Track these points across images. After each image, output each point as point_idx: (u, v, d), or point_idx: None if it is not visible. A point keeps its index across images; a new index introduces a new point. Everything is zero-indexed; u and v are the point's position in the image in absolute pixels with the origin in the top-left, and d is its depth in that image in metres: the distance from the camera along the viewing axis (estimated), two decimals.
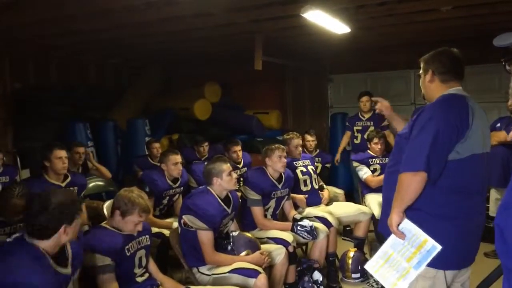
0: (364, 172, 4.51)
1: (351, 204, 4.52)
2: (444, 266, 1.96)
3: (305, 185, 4.25)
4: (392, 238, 2.02)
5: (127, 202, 2.47)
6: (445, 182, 1.95)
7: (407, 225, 1.97)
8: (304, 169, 4.29)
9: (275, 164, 3.68)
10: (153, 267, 2.74)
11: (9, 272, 1.83)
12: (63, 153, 3.57)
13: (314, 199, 4.24)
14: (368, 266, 2.07)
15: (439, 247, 1.88)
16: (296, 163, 4.25)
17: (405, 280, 1.91)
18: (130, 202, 2.47)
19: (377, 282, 3.74)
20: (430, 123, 1.92)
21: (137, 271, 2.59)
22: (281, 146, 3.78)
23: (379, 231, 2.46)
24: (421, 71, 2.20)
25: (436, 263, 1.91)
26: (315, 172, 4.41)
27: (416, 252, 1.93)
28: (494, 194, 4.49)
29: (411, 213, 1.98)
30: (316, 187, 4.36)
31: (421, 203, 1.96)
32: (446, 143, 1.91)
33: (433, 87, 2.12)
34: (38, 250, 1.92)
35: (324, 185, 4.70)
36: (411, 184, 1.93)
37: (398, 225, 1.98)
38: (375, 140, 4.62)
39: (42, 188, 3.24)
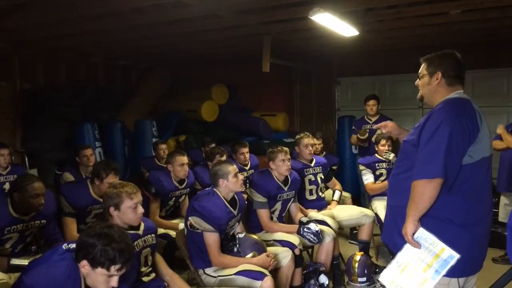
0: (366, 178, 4.48)
1: (354, 206, 4.48)
2: (457, 274, 1.92)
3: (311, 194, 4.21)
4: (406, 248, 1.96)
5: (112, 195, 2.51)
6: (459, 187, 1.91)
7: (423, 234, 1.92)
8: (313, 178, 4.20)
9: (279, 168, 3.67)
10: (161, 262, 2.74)
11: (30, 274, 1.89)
12: (116, 179, 3.30)
13: (318, 205, 4.22)
14: (382, 278, 2.02)
15: (457, 256, 1.83)
16: (306, 171, 4.15)
17: None
18: (115, 193, 2.50)
19: (383, 287, 3.72)
20: (442, 128, 1.86)
21: (143, 269, 2.59)
22: (284, 148, 3.73)
23: (383, 241, 2.42)
24: (424, 72, 2.12)
25: (450, 271, 1.87)
26: (322, 180, 4.32)
27: (432, 262, 1.87)
28: (503, 200, 4.46)
29: (424, 220, 1.93)
30: (322, 195, 4.32)
31: (434, 210, 1.92)
32: (460, 147, 1.87)
33: (439, 90, 2.07)
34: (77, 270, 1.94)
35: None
36: (426, 191, 1.88)
37: (413, 234, 1.92)
38: (382, 141, 4.60)
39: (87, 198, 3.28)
